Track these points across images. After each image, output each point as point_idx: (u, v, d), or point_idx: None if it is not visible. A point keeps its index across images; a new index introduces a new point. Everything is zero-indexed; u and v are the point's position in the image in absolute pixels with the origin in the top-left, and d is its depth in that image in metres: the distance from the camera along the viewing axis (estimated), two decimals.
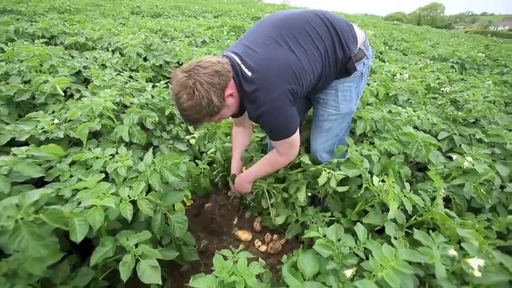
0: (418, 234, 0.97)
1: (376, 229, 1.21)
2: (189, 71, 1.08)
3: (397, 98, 2.40)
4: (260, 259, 1.40)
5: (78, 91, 2.05)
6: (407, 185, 1.25)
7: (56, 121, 1.49)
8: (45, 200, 0.89)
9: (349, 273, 0.88)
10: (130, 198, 1.04)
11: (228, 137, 1.95)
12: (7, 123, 1.58)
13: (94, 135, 1.57)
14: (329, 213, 1.45)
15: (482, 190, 1.35)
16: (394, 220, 1.13)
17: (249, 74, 1.13)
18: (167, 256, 1.09)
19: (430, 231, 1.01)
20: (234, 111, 1.29)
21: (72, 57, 2.82)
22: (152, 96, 1.94)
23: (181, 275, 1.37)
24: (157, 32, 4.74)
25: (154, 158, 1.25)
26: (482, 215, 1.27)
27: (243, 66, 1.15)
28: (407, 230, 1.13)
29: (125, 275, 0.88)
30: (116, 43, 3.34)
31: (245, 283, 0.89)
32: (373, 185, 1.19)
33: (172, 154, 1.26)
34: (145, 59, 3.09)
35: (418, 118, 1.91)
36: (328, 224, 1.39)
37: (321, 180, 1.34)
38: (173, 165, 1.22)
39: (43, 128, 1.43)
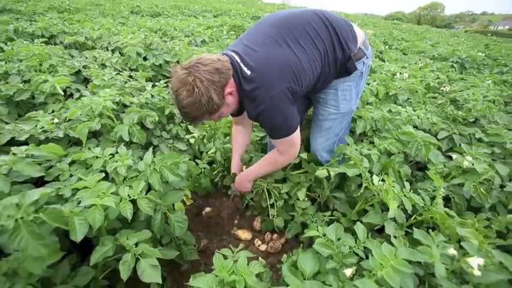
0: (417, 234, 0.97)
1: (376, 228, 1.21)
2: (189, 67, 1.07)
3: (397, 98, 2.40)
4: (260, 258, 1.40)
5: (78, 90, 2.05)
6: (407, 184, 1.26)
7: (56, 120, 1.49)
8: (45, 199, 0.89)
9: (349, 272, 0.88)
10: (130, 197, 1.04)
11: (228, 138, 1.94)
12: (7, 123, 1.58)
13: (94, 134, 1.57)
14: (329, 213, 1.45)
15: (482, 189, 1.35)
16: (394, 219, 1.13)
17: (249, 72, 1.13)
18: (167, 255, 1.09)
19: (430, 230, 1.01)
20: (234, 110, 1.29)
21: (72, 56, 2.82)
22: (152, 96, 1.94)
23: (181, 274, 1.37)
24: (157, 31, 4.73)
25: (154, 157, 1.25)
26: (482, 214, 1.27)
27: (242, 65, 1.14)
28: (407, 229, 1.13)
29: (124, 274, 0.88)
30: (116, 42, 3.33)
31: (245, 282, 0.89)
32: (373, 184, 1.19)
33: (172, 153, 1.26)
34: (145, 59, 3.09)
35: (418, 117, 1.91)
36: (328, 223, 1.39)
37: (322, 174, 1.35)
38: (173, 164, 1.22)
39: (43, 127, 1.43)
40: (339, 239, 1.01)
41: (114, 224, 1.09)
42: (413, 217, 1.18)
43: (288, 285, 0.89)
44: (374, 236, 1.11)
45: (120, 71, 2.51)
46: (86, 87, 2.14)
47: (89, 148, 1.37)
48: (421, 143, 1.51)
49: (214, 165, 1.82)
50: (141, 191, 1.07)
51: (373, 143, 1.59)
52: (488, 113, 2.15)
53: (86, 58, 2.77)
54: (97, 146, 1.37)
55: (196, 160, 1.74)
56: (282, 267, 0.95)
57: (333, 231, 1.03)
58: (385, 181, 1.17)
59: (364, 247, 0.97)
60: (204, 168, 1.71)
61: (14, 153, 1.09)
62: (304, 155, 1.47)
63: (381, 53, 5.17)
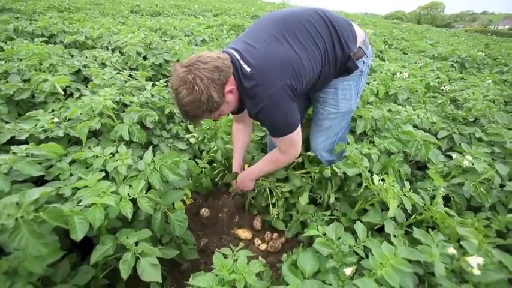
0: (417, 233, 0.98)
1: (375, 228, 1.22)
2: (189, 65, 1.07)
3: (397, 97, 2.40)
4: (260, 257, 1.40)
5: (78, 90, 2.05)
6: (407, 183, 1.26)
7: (56, 120, 1.49)
8: (45, 198, 0.89)
9: (348, 271, 0.88)
10: (130, 196, 1.04)
11: (229, 137, 1.94)
12: (7, 122, 1.58)
13: (94, 134, 1.57)
14: (329, 212, 1.46)
15: (481, 189, 1.35)
16: (394, 219, 1.14)
17: (248, 70, 1.12)
18: (167, 254, 1.09)
19: (430, 229, 1.01)
20: (234, 108, 1.29)
21: (72, 56, 2.82)
22: (152, 95, 1.94)
23: (181, 273, 1.37)
24: (157, 30, 4.73)
25: (154, 156, 1.24)
26: (482, 214, 1.27)
27: (242, 63, 1.14)
28: (407, 229, 1.13)
29: (125, 273, 0.88)
30: (116, 42, 3.33)
31: (245, 281, 0.90)
32: (373, 183, 1.19)
33: (172, 153, 1.26)
34: (145, 58, 3.09)
35: (418, 117, 1.92)
36: (328, 223, 1.39)
37: (326, 173, 1.35)
38: (173, 163, 1.22)
39: (43, 126, 1.43)
40: (338, 238, 1.01)
41: (114, 223, 1.09)
42: (413, 216, 1.18)
43: (288, 284, 0.89)
44: (374, 235, 1.11)
45: (120, 71, 2.50)
46: (86, 86, 2.14)
47: (89, 147, 1.37)
48: (421, 142, 1.51)
49: (214, 165, 1.82)
50: (141, 190, 1.07)
51: (373, 142, 1.59)
52: (488, 112, 2.15)
53: (86, 57, 2.77)
54: (97, 145, 1.37)
55: (196, 159, 1.74)
56: (282, 266, 0.95)
57: (332, 230, 1.03)
58: (385, 180, 1.17)
59: (364, 246, 0.97)
60: (205, 168, 1.71)
61: (14, 153, 1.09)
62: (310, 153, 1.46)
63: (381, 52, 5.16)
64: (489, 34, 17.49)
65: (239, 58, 1.15)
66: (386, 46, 6.20)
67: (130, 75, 2.27)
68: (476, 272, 0.83)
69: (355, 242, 1.00)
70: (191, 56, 1.11)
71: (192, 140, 1.91)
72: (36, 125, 1.44)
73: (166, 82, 2.11)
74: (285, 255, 1.25)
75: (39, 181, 1.20)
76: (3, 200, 0.77)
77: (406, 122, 1.84)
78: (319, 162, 1.58)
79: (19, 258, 0.82)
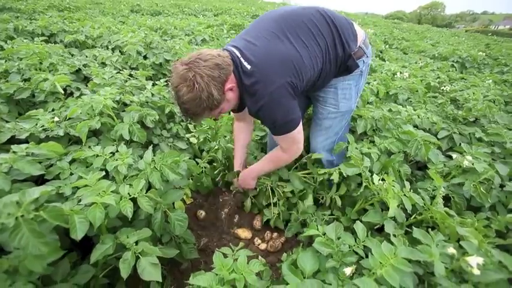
0: (417, 233, 0.98)
1: (375, 227, 1.22)
2: (189, 63, 1.06)
3: (397, 97, 2.40)
4: (260, 257, 1.40)
5: (78, 89, 2.05)
6: (407, 183, 1.26)
7: (56, 119, 1.49)
8: (46, 197, 0.89)
9: (348, 271, 0.88)
10: (130, 195, 1.04)
11: (229, 136, 1.94)
12: (7, 121, 1.58)
13: (94, 133, 1.57)
14: (328, 212, 1.46)
15: (481, 189, 1.35)
16: (394, 218, 1.14)
17: (249, 67, 1.12)
18: (167, 254, 1.10)
19: (430, 229, 1.01)
20: (234, 106, 1.28)
21: (72, 55, 2.82)
22: (152, 95, 1.94)
23: (181, 272, 1.37)
24: (157, 30, 4.73)
25: (154, 156, 1.25)
26: (482, 214, 1.27)
27: (242, 60, 1.13)
28: (407, 229, 1.13)
29: (125, 272, 0.88)
30: (116, 41, 3.33)
31: (245, 281, 0.90)
32: (373, 183, 1.19)
33: (172, 152, 1.26)
34: (145, 57, 3.08)
35: (418, 117, 1.92)
36: (328, 222, 1.39)
37: (335, 177, 1.36)
38: (173, 163, 1.22)
39: (43, 126, 1.43)
40: (338, 238, 1.01)
41: (115, 222, 1.09)
42: (413, 216, 1.18)
43: (287, 283, 0.89)
44: (374, 235, 1.11)
45: (120, 70, 2.50)
46: (86, 85, 2.14)
47: (89, 147, 1.37)
48: (421, 142, 1.51)
49: (215, 164, 1.82)
50: (141, 190, 1.07)
51: (373, 142, 1.59)
52: (489, 112, 2.15)
53: (86, 57, 2.77)
54: (97, 145, 1.37)
55: (196, 159, 1.74)
56: (282, 266, 0.95)
57: (332, 230, 1.03)
58: (385, 180, 1.17)
59: (364, 246, 0.97)
60: (205, 168, 1.71)
61: (14, 152, 1.09)
62: (316, 155, 1.46)
63: (381, 52, 5.16)
64: (489, 34, 17.49)
65: (239, 55, 1.15)
66: (387, 46, 6.20)
67: (130, 75, 2.26)
68: (476, 271, 0.83)
69: (355, 241, 1.00)
70: (191, 54, 1.11)
71: (193, 140, 1.91)
72: (36, 124, 1.44)
73: (166, 81, 2.11)
74: (284, 254, 1.25)
75: (39, 180, 1.20)
76: (3, 199, 0.77)
77: (406, 122, 1.84)
78: (322, 164, 1.58)
79: (19, 257, 0.82)
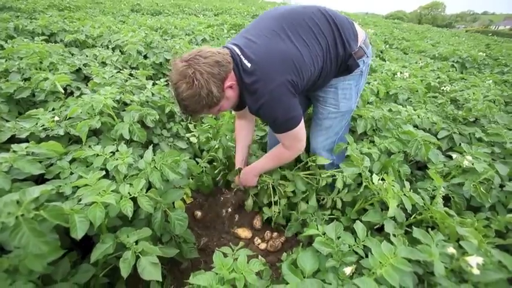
0: (417, 232, 0.98)
1: (375, 227, 1.22)
2: (189, 60, 1.05)
3: (397, 97, 2.40)
4: (260, 257, 1.40)
5: (78, 89, 2.05)
6: (407, 183, 1.26)
7: (56, 118, 1.50)
8: (46, 197, 0.89)
9: (348, 270, 0.89)
10: (130, 195, 1.04)
11: (230, 136, 1.94)
12: (7, 121, 1.58)
13: (94, 132, 1.57)
14: (328, 211, 1.46)
15: (481, 189, 1.35)
16: (394, 218, 1.14)
17: (249, 65, 1.11)
18: (167, 253, 1.10)
19: (429, 229, 1.01)
20: (234, 104, 1.27)
21: (72, 54, 2.82)
22: (152, 94, 1.94)
23: (181, 272, 1.37)
24: (157, 29, 4.73)
25: (154, 155, 1.25)
26: (482, 214, 1.27)
27: (242, 58, 1.13)
28: (407, 228, 1.13)
29: (125, 271, 0.88)
30: (116, 41, 3.33)
31: (245, 280, 0.90)
32: (373, 183, 1.19)
33: (172, 152, 1.26)
34: (145, 57, 3.09)
35: (418, 117, 1.92)
36: (328, 222, 1.39)
37: (338, 184, 1.36)
38: (173, 162, 1.23)
39: (43, 125, 1.43)
40: (338, 238, 1.01)
41: (115, 221, 1.09)
42: (413, 216, 1.18)
43: (287, 283, 0.89)
44: (374, 235, 1.11)
45: (120, 69, 2.51)
46: (87, 85, 2.14)
47: (90, 146, 1.37)
48: (421, 142, 1.51)
49: (215, 164, 1.82)
50: (141, 189, 1.07)
51: (373, 142, 1.59)
52: (489, 112, 2.15)
53: (86, 56, 2.77)
54: (97, 144, 1.37)
55: (196, 159, 1.74)
56: (282, 265, 0.95)
57: (332, 229, 1.03)
58: (385, 180, 1.17)
59: (364, 246, 0.97)
60: (205, 167, 1.71)
61: (14, 151, 1.09)
62: (320, 160, 1.45)
63: (381, 52, 5.16)
64: (490, 34, 17.48)
65: (239, 53, 1.14)
66: (387, 46, 6.19)
67: (130, 74, 2.27)
68: (476, 271, 0.84)
69: (355, 241, 1.00)
70: (191, 51, 1.10)
71: (193, 139, 1.91)
72: (36, 124, 1.44)
73: (166, 81, 2.11)
74: (284, 254, 1.25)
75: (39, 179, 1.20)
76: (3, 198, 0.77)
77: (406, 122, 1.84)
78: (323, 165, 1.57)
79: (20, 256, 0.82)
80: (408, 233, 1.07)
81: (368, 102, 2.06)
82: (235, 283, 0.88)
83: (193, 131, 1.95)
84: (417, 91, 2.49)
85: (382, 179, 1.19)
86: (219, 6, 11.88)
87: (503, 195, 1.42)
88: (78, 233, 0.86)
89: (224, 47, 1.19)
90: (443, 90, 2.79)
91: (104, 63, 2.70)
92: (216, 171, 1.79)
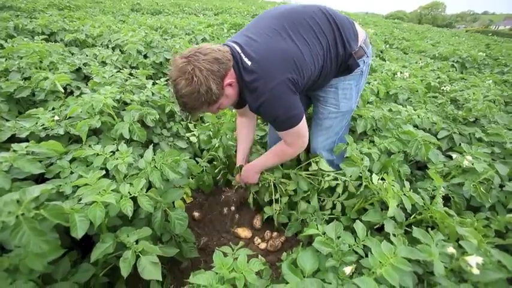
0: (417, 232, 0.98)
1: (375, 227, 1.22)
2: (189, 57, 1.05)
3: (397, 97, 2.40)
4: (260, 256, 1.40)
5: (78, 88, 2.05)
6: (406, 183, 1.26)
7: (56, 118, 1.50)
8: (46, 196, 0.89)
9: (348, 270, 0.89)
10: (130, 194, 1.04)
11: (230, 135, 1.94)
12: (7, 120, 1.58)
13: (94, 132, 1.57)
14: (328, 211, 1.46)
15: (481, 189, 1.35)
16: (394, 218, 1.14)
17: (249, 63, 1.11)
18: (167, 253, 1.10)
19: (429, 229, 1.01)
20: (233, 103, 1.27)
21: (72, 54, 2.82)
22: (152, 94, 1.94)
23: (181, 271, 1.37)
24: (157, 29, 4.72)
25: (154, 155, 1.25)
26: (481, 214, 1.27)
27: (243, 56, 1.12)
28: (407, 228, 1.13)
29: (125, 271, 0.88)
30: (116, 40, 3.33)
31: (245, 280, 0.90)
32: (373, 183, 1.19)
33: (172, 151, 1.26)
34: (145, 56, 3.08)
35: (418, 117, 1.92)
36: (328, 222, 1.39)
37: (339, 189, 1.36)
38: (173, 162, 1.23)
39: (43, 124, 1.43)
40: (338, 237, 1.01)
41: (115, 221, 1.09)
42: (412, 216, 1.19)
43: (287, 283, 0.89)
44: (373, 235, 1.12)
45: (120, 69, 2.50)
46: (86, 84, 2.14)
47: (90, 145, 1.37)
48: (421, 142, 1.51)
49: (215, 163, 1.81)
50: (141, 189, 1.07)
51: (373, 142, 1.59)
52: (489, 112, 2.15)
53: (86, 55, 2.77)
54: (97, 144, 1.38)
55: (196, 158, 1.74)
56: (282, 265, 0.95)
57: (332, 229, 1.03)
58: (384, 180, 1.17)
59: (364, 245, 0.97)
60: (206, 167, 1.71)
61: (14, 150, 1.09)
62: (323, 165, 1.44)
63: (381, 52, 5.16)
64: (490, 34, 17.47)
65: (240, 51, 1.13)
66: (387, 46, 6.19)
67: (130, 74, 2.27)
68: (475, 271, 0.84)
69: (355, 241, 1.00)
70: (191, 48, 1.10)
71: (193, 139, 1.91)
72: (36, 123, 1.44)
73: (166, 81, 2.11)
74: (284, 254, 1.25)
75: (39, 179, 1.21)
76: (4, 198, 0.77)
77: (406, 121, 1.84)
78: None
79: (20, 255, 0.82)
80: (408, 233, 1.07)
81: (368, 102, 2.06)
82: (235, 282, 0.88)
83: (193, 131, 1.95)
84: (417, 91, 2.49)
85: (382, 179, 1.19)
86: (219, 5, 11.87)
87: (503, 195, 1.43)
88: (79, 232, 0.86)
89: (224, 45, 1.18)
90: (443, 90, 2.79)
91: (103, 63, 2.69)
92: (216, 171, 1.79)
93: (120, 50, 3.16)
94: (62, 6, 6.66)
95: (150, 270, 0.91)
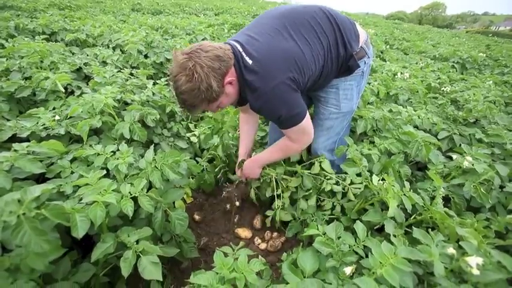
0: (417, 233, 0.98)
1: (375, 227, 1.22)
2: (190, 53, 1.04)
3: (397, 97, 2.41)
4: (260, 256, 1.40)
5: (79, 88, 2.06)
6: (407, 184, 1.26)
7: (57, 117, 1.50)
8: (47, 195, 0.89)
9: (348, 270, 0.89)
10: (131, 194, 1.04)
11: (231, 134, 1.93)
12: (8, 120, 1.59)
13: (95, 132, 1.57)
14: (328, 212, 1.46)
15: (481, 190, 1.35)
16: (394, 218, 1.14)
17: (250, 62, 1.11)
18: (168, 253, 1.10)
19: (429, 229, 1.01)
20: (233, 101, 1.26)
21: (73, 53, 2.82)
22: (153, 94, 1.94)
23: (181, 271, 1.37)
24: (158, 29, 4.73)
25: (155, 155, 1.25)
26: (482, 215, 1.27)
27: (244, 54, 1.12)
28: (407, 229, 1.13)
29: (125, 271, 0.88)
30: (117, 40, 3.33)
31: (245, 280, 0.90)
32: (373, 183, 1.19)
33: (173, 151, 1.26)
34: (146, 56, 3.09)
35: (419, 117, 1.92)
36: (328, 222, 1.40)
37: (339, 196, 1.37)
38: (174, 162, 1.23)
39: (44, 124, 1.44)
40: (338, 238, 1.02)
41: (115, 221, 1.09)
42: (413, 216, 1.19)
43: (287, 283, 0.89)
44: (374, 235, 1.12)
45: (121, 69, 2.51)
46: (87, 84, 2.14)
47: (90, 145, 1.37)
48: (422, 143, 1.51)
49: (215, 162, 1.81)
50: (142, 189, 1.07)
51: (373, 142, 1.59)
52: (489, 113, 2.15)
53: (87, 55, 2.77)
54: (98, 144, 1.38)
55: (197, 158, 1.74)
56: (282, 265, 0.96)
57: (332, 229, 1.04)
58: (385, 180, 1.17)
59: (364, 246, 0.97)
60: (206, 166, 1.71)
61: (15, 150, 1.09)
62: (326, 166, 1.43)
63: (382, 52, 5.16)
64: (490, 35, 17.46)
65: (241, 50, 1.13)
66: (388, 46, 6.20)
67: (131, 74, 2.27)
68: (476, 272, 0.84)
69: (355, 241, 1.00)
70: (192, 44, 1.09)
71: (193, 139, 1.91)
72: (37, 123, 1.44)
73: (167, 80, 2.11)
74: (285, 254, 1.25)
75: (40, 179, 1.21)
76: (5, 197, 0.77)
77: (406, 122, 1.84)
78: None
79: (21, 255, 0.82)
80: (408, 233, 1.07)
81: (368, 103, 2.06)
82: (236, 283, 0.88)
83: (193, 131, 1.95)
84: (417, 92, 2.49)
85: (382, 179, 1.19)
86: (220, 5, 11.88)
87: (503, 196, 1.43)
88: (79, 232, 0.86)
89: (225, 43, 1.18)
90: (443, 91, 2.79)
91: (104, 63, 2.70)
92: (216, 169, 1.79)
93: (120, 50, 3.16)
94: (62, 6, 6.66)
95: (151, 270, 0.91)
